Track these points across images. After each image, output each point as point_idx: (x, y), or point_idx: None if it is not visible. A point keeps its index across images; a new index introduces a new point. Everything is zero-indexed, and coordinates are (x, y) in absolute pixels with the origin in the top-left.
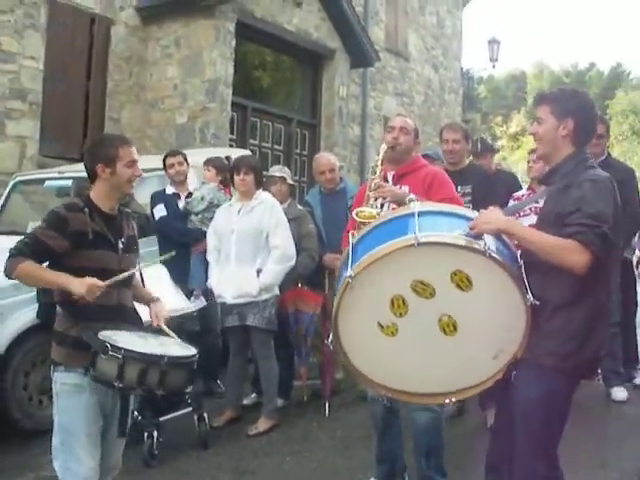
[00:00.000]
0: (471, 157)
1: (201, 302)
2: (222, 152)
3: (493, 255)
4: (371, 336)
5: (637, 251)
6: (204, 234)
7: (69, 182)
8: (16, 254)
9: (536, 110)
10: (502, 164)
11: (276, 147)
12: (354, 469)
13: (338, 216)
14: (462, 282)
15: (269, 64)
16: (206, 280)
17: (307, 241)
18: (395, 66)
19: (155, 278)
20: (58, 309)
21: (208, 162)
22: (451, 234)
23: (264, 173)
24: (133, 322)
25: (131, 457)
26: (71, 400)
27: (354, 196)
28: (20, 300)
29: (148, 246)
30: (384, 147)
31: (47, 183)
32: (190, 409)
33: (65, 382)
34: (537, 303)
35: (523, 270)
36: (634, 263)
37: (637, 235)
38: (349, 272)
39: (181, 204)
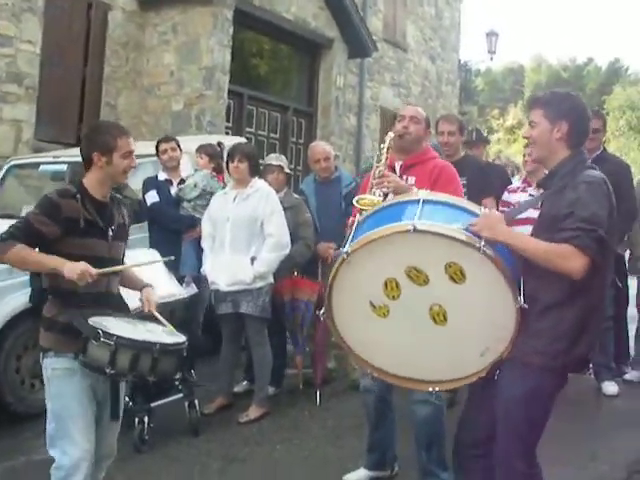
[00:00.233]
0: (464, 150)
1: (192, 289)
2: (216, 139)
3: (488, 253)
4: (363, 314)
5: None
6: (196, 221)
7: (64, 167)
8: (8, 238)
9: (529, 114)
10: (501, 157)
11: (272, 135)
12: (345, 458)
13: (332, 205)
14: (456, 274)
15: (266, 52)
16: (199, 267)
17: (303, 230)
18: (393, 57)
19: (148, 265)
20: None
21: (200, 149)
22: (450, 226)
23: (260, 161)
24: (120, 308)
25: (122, 442)
26: (63, 384)
27: (348, 185)
28: (13, 284)
29: (141, 232)
30: (391, 135)
31: (42, 167)
32: (181, 395)
33: (56, 367)
34: (526, 307)
35: (517, 271)
36: (626, 259)
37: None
38: (347, 248)
39: (173, 190)
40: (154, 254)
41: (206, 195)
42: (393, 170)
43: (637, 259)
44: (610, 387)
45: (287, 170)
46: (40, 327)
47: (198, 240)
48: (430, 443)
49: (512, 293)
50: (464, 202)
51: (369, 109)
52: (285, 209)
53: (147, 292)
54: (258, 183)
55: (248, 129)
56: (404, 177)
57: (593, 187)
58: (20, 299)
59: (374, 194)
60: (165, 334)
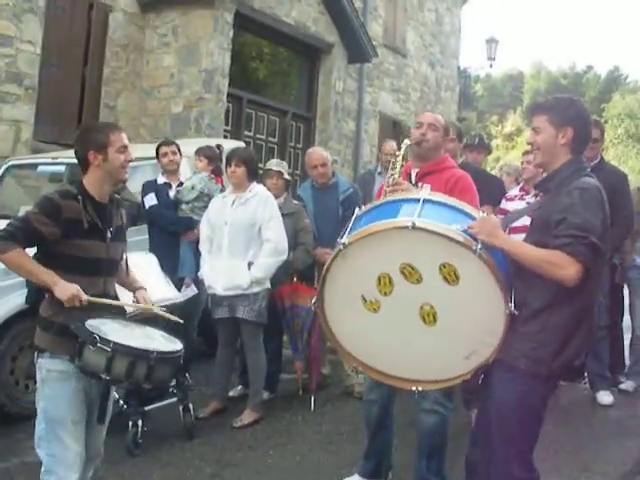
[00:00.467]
0: (463, 156)
1: (192, 290)
2: (215, 142)
3: (484, 256)
4: (353, 307)
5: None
6: (194, 223)
7: (62, 167)
8: (7, 237)
9: (532, 119)
10: (510, 165)
11: (270, 139)
12: (338, 464)
13: (330, 210)
14: (450, 275)
15: (266, 56)
16: (197, 269)
17: (303, 236)
18: (392, 62)
19: (144, 267)
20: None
21: (199, 152)
22: (448, 227)
23: (259, 166)
24: (116, 311)
25: (115, 446)
26: (57, 387)
27: (346, 191)
28: (9, 284)
29: (139, 235)
30: (407, 142)
31: (40, 168)
32: (175, 399)
33: (51, 369)
34: (516, 313)
35: (510, 277)
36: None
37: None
38: (344, 240)
39: (172, 193)
40: (151, 258)
41: (204, 197)
42: (409, 177)
43: (627, 268)
44: (605, 397)
45: (287, 176)
46: (36, 326)
47: (196, 242)
48: (431, 452)
49: (504, 298)
50: (464, 205)
51: (368, 114)
52: (285, 215)
53: (142, 294)
54: (257, 188)
55: (247, 133)
56: (420, 185)
57: (587, 194)
58: (16, 300)
59: None
60: (163, 339)
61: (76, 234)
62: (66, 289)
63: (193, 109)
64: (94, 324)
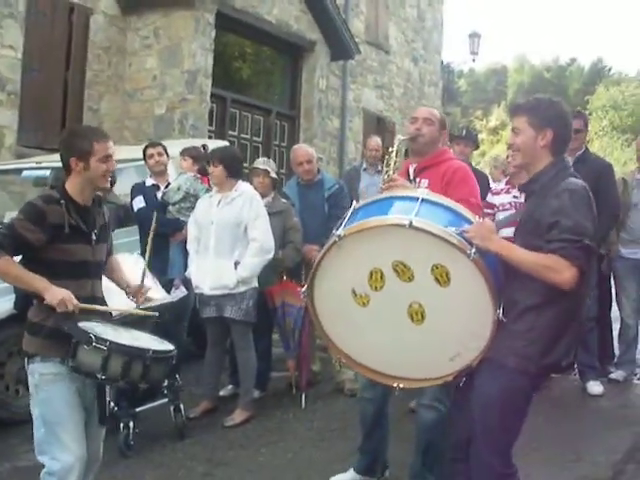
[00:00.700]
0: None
1: (181, 292)
2: (200, 143)
3: (477, 260)
4: (342, 299)
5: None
6: (182, 224)
7: (46, 172)
8: None
9: (512, 120)
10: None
11: (255, 138)
12: (330, 460)
13: (316, 207)
14: (441, 277)
15: (249, 55)
16: (186, 270)
17: (292, 234)
18: (375, 59)
19: (131, 268)
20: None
21: (184, 152)
22: (444, 228)
23: (246, 165)
24: (103, 313)
25: (107, 448)
26: (52, 389)
27: (331, 188)
28: None
29: (128, 236)
30: (399, 138)
31: (24, 173)
32: (166, 400)
33: (43, 372)
34: (504, 320)
35: (500, 282)
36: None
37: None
38: (340, 231)
39: (160, 195)
40: (138, 259)
41: (190, 198)
42: (408, 173)
43: (612, 259)
44: (595, 387)
45: (273, 175)
46: (25, 332)
47: (185, 243)
48: (428, 448)
49: (493, 303)
50: (461, 208)
51: (352, 111)
52: (273, 214)
53: (134, 289)
54: (242, 186)
55: (231, 132)
56: (418, 180)
57: (576, 195)
58: (4, 306)
59: None
60: (152, 341)
61: (62, 238)
62: (57, 294)
63: (176, 110)
64: (86, 325)
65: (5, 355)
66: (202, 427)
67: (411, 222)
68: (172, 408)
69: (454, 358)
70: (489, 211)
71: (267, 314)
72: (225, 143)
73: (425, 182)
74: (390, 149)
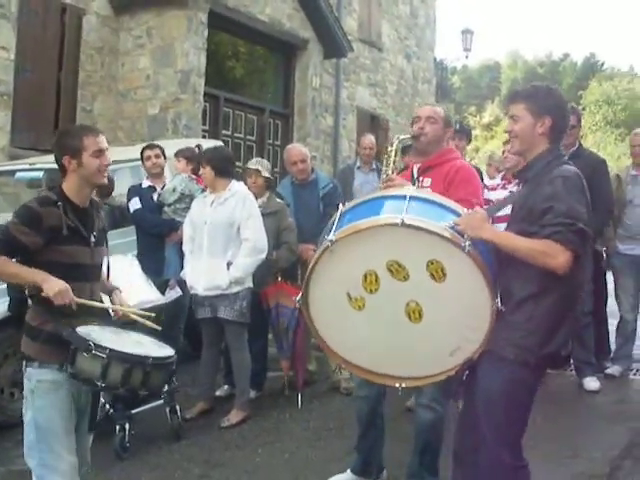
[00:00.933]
0: None
1: (176, 292)
2: (194, 143)
3: (472, 253)
4: (338, 304)
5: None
6: (177, 224)
7: (40, 173)
8: None
9: (510, 107)
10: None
11: (249, 137)
12: (327, 460)
13: (310, 207)
14: (437, 272)
15: (242, 54)
16: (182, 271)
17: (287, 235)
18: (368, 56)
19: (125, 269)
20: (30, 303)
21: (178, 153)
22: (437, 223)
23: (240, 164)
24: (102, 316)
25: (103, 450)
26: (48, 397)
27: (325, 187)
28: None
29: (124, 237)
30: (398, 137)
31: (18, 174)
32: (162, 401)
33: (41, 379)
34: (503, 309)
35: (495, 272)
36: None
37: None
38: (331, 236)
39: (156, 196)
40: (132, 260)
41: (185, 198)
42: (411, 174)
43: (610, 255)
44: (591, 383)
45: (265, 174)
46: (23, 335)
47: (181, 244)
48: (425, 448)
49: (490, 294)
50: (450, 202)
51: (345, 109)
52: (268, 214)
53: (118, 297)
54: (235, 186)
55: (225, 132)
56: (421, 180)
57: (569, 181)
58: None
59: None
60: (153, 345)
61: (59, 240)
62: (55, 285)
63: (170, 110)
64: (84, 331)
65: (0, 357)
66: (198, 428)
67: (403, 220)
68: (168, 409)
69: (454, 353)
70: (486, 207)
71: (262, 315)
72: (219, 143)
73: (428, 182)
74: (389, 148)
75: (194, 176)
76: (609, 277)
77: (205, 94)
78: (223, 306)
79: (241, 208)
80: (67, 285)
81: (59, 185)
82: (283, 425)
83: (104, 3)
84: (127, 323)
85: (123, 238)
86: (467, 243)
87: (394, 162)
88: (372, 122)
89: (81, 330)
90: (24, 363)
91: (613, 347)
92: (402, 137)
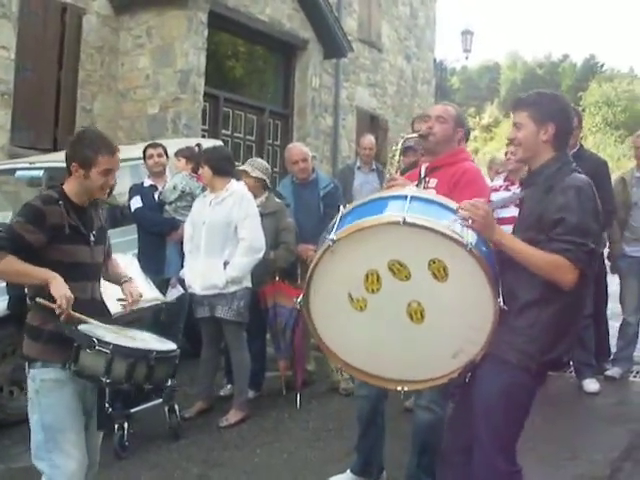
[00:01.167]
0: None
1: (178, 291)
2: (194, 142)
3: (474, 252)
4: (339, 305)
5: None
6: (178, 223)
7: (40, 172)
8: None
9: (513, 115)
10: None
11: (248, 137)
12: (326, 460)
13: (310, 206)
14: (438, 272)
15: (241, 54)
16: (182, 269)
17: (285, 235)
18: (368, 57)
19: (126, 269)
20: (29, 303)
21: (178, 153)
22: (438, 222)
23: (239, 164)
24: (103, 315)
25: (102, 449)
26: (54, 396)
27: (326, 186)
28: None
29: (125, 236)
30: (404, 136)
31: (18, 173)
32: (161, 400)
33: (45, 378)
34: (506, 308)
35: (497, 272)
36: (605, 256)
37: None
38: (332, 236)
39: (157, 195)
40: (131, 259)
41: (186, 197)
42: (419, 173)
43: (617, 257)
44: (591, 385)
45: (255, 174)
46: (24, 336)
47: (182, 242)
48: (423, 449)
49: (492, 293)
50: (451, 202)
51: (345, 109)
52: (267, 214)
53: (129, 286)
54: (234, 186)
55: (224, 131)
56: (427, 180)
57: (583, 194)
58: None
59: None
60: (154, 341)
61: (61, 239)
62: (63, 288)
63: (169, 110)
64: (87, 329)
65: (0, 356)
66: (197, 427)
67: (404, 218)
68: (167, 409)
69: (457, 355)
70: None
71: (261, 314)
72: (218, 142)
73: (434, 182)
74: (394, 147)
75: (194, 175)
76: (609, 279)
77: (205, 94)
78: (220, 306)
79: (238, 208)
80: (72, 296)
81: (60, 184)
82: (282, 425)
83: (104, 3)
84: (128, 322)
85: (124, 237)
86: (470, 242)
87: (398, 162)
88: (372, 122)
89: (84, 328)
90: (26, 365)
91: (613, 349)
92: (408, 136)
